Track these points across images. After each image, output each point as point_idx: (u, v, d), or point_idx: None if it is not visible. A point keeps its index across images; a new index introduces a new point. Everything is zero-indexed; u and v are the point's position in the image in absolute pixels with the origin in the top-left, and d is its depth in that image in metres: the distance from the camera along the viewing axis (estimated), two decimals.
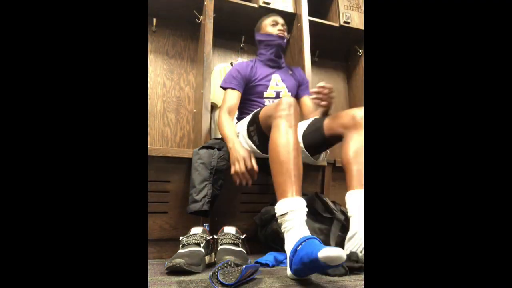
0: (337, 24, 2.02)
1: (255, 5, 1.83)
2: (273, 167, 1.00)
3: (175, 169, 1.26)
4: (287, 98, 1.07)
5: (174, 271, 0.88)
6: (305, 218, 0.89)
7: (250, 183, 1.20)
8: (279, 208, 0.91)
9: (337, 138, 1.22)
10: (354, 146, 1.07)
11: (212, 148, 1.29)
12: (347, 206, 1.01)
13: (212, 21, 1.66)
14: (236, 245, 1.03)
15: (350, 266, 0.87)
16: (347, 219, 1.04)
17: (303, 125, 1.30)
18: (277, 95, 1.52)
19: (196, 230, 1.06)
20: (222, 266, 0.80)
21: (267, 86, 1.52)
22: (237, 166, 1.18)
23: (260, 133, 1.22)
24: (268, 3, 1.84)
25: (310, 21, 1.89)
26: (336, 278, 0.84)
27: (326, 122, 1.23)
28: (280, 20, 1.61)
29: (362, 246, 0.90)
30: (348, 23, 2.02)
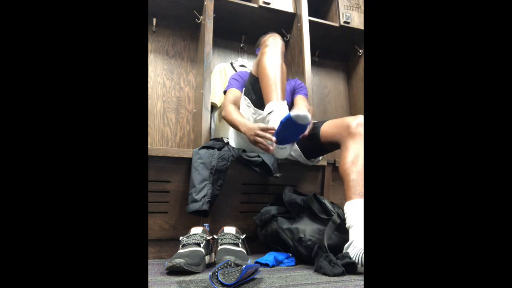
0: (337, 24, 2.03)
1: (255, 5, 1.83)
2: (262, 82, 1.22)
3: (175, 169, 1.26)
4: (273, 35, 1.28)
5: (174, 271, 0.88)
6: (287, 111, 1.11)
7: (272, 148, 1.18)
8: (268, 108, 1.16)
9: (334, 146, 1.24)
10: (351, 155, 1.08)
11: (212, 148, 1.29)
12: (345, 216, 1.02)
13: (212, 21, 1.66)
14: (236, 245, 1.03)
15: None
16: (343, 220, 1.04)
17: None
18: None
19: (196, 230, 1.06)
20: (222, 266, 0.80)
21: None
22: (261, 142, 1.16)
23: (256, 91, 1.32)
24: (268, 3, 1.84)
25: (310, 21, 1.89)
26: (336, 278, 0.84)
27: (323, 129, 1.25)
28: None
29: (361, 255, 0.90)
30: (348, 23, 2.02)
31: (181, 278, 0.84)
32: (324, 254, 0.96)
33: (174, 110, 1.87)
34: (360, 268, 0.91)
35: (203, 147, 1.29)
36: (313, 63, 2.19)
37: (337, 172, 1.52)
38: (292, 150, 1.32)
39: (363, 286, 0.76)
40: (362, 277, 0.85)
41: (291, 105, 1.58)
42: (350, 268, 0.89)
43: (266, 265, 1.01)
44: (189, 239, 1.02)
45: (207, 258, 1.01)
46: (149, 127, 1.80)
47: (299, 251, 1.09)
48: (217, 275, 0.74)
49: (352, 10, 2.07)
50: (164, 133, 1.84)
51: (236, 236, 1.07)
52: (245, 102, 1.41)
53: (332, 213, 1.11)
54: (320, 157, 1.42)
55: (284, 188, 1.27)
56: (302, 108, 1.07)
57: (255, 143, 1.19)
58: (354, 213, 0.99)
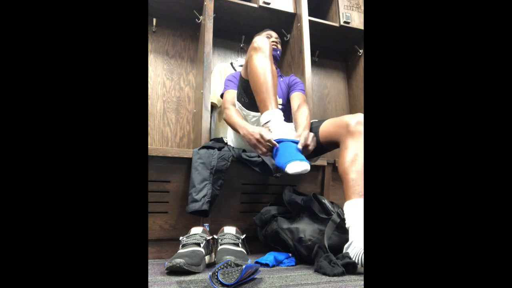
0: (337, 24, 2.03)
1: (255, 5, 1.83)
2: (253, 88, 1.21)
3: (175, 169, 1.26)
4: (260, 37, 1.26)
5: (174, 271, 0.88)
6: (282, 122, 1.14)
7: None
8: (264, 117, 1.16)
9: (333, 145, 1.23)
10: (350, 154, 1.07)
11: (212, 148, 1.29)
12: (345, 216, 1.01)
13: (212, 21, 1.66)
14: (236, 245, 1.03)
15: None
16: (343, 220, 1.04)
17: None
18: None
19: (196, 230, 1.06)
20: (222, 266, 0.80)
21: None
22: (261, 147, 1.16)
23: (248, 94, 1.31)
24: (268, 3, 1.84)
25: (310, 21, 1.89)
26: (336, 278, 0.84)
27: (322, 129, 1.25)
28: (274, 34, 1.75)
29: (361, 255, 0.90)
30: (348, 23, 2.02)
31: (181, 278, 0.84)
32: (324, 254, 0.96)
33: (174, 110, 1.87)
34: (360, 268, 0.91)
35: (203, 147, 1.29)
36: (313, 63, 2.19)
37: (337, 172, 1.52)
38: None
39: (363, 286, 0.76)
40: (362, 277, 0.85)
41: (287, 103, 1.58)
42: (350, 268, 0.89)
43: (266, 265, 1.01)
44: (189, 239, 1.02)
45: (207, 258, 1.01)
46: (149, 127, 1.80)
47: (299, 251, 1.09)
48: (217, 275, 0.74)
49: (352, 10, 2.07)
50: (164, 133, 1.84)
51: (236, 236, 1.07)
52: (237, 105, 1.41)
53: (332, 212, 1.11)
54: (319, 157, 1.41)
55: (284, 188, 1.27)
56: (296, 162, 1.01)
57: (255, 147, 1.19)
58: (353, 212, 0.98)
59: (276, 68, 1.63)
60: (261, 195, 1.38)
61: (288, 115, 1.53)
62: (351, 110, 2.28)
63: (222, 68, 1.90)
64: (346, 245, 0.96)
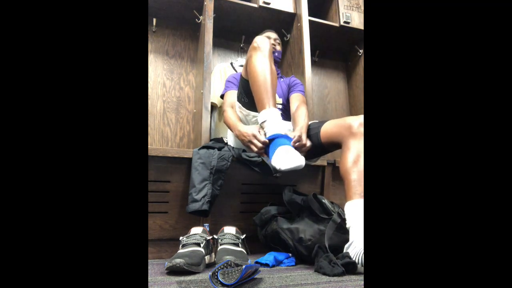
0: (337, 24, 2.03)
1: (255, 5, 1.83)
2: (253, 88, 1.22)
3: (175, 169, 1.26)
4: (260, 37, 1.26)
5: (174, 271, 0.88)
6: (280, 120, 1.15)
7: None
8: (261, 116, 1.16)
9: (334, 146, 1.24)
10: (352, 155, 1.08)
11: (212, 148, 1.29)
12: (346, 216, 1.01)
13: (212, 21, 1.66)
14: (236, 245, 1.03)
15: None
16: (343, 219, 1.04)
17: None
18: None
19: (196, 230, 1.06)
20: (222, 266, 0.80)
21: None
22: (253, 147, 1.19)
23: (248, 94, 1.31)
24: (268, 3, 1.84)
25: (310, 21, 1.89)
26: (336, 278, 0.84)
27: (324, 129, 1.25)
28: (273, 35, 1.77)
29: (361, 255, 0.90)
30: (348, 23, 2.02)
31: (181, 278, 0.84)
32: (324, 254, 0.96)
33: (174, 110, 1.87)
34: (360, 268, 0.91)
35: (203, 147, 1.29)
36: (313, 63, 2.19)
37: (337, 172, 1.53)
38: None
39: (363, 286, 0.76)
40: (362, 277, 0.85)
41: (287, 103, 1.59)
42: (350, 268, 0.89)
43: (266, 265, 1.01)
44: (189, 239, 1.02)
45: (207, 258, 1.01)
46: (149, 127, 1.80)
47: (299, 251, 1.09)
48: (217, 275, 0.74)
49: (352, 10, 2.07)
50: (164, 133, 1.84)
51: (236, 236, 1.07)
52: (237, 105, 1.42)
53: (332, 212, 1.11)
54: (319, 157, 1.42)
55: (284, 188, 1.27)
56: (290, 155, 1.06)
57: (248, 147, 1.21)
58: (354, 213, 0.98)
59: (277, 69, 1.63)
60: (261, 195, 1.38)
61: (288, 115, 1.53)
62: (351, 110, 2.28)
63: (222, 68, 1.90)
64: (346, 245, 0.96)
